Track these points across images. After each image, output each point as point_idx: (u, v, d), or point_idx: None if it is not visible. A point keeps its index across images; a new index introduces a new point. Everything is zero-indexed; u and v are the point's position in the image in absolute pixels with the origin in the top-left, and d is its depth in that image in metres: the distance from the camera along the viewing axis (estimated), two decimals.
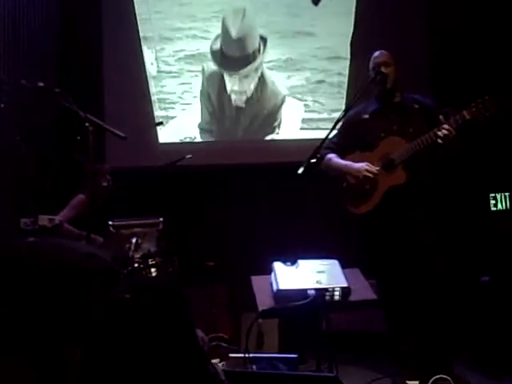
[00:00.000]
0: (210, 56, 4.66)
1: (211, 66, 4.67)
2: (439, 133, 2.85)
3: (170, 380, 1.05)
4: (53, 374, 1.10)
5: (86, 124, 2.54)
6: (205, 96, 4.68)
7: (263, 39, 4.65)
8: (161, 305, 1.09)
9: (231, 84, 4.68)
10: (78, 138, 2.53)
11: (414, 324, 3.03)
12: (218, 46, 4.66)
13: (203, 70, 4.68)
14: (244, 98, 4.68)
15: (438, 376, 2.81)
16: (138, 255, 3.29)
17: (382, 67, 3.11)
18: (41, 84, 2.71)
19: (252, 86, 4.67)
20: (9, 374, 1.09)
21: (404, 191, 3.01)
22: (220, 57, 4.65)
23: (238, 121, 4.72)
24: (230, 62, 4.65)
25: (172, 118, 4.67)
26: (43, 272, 1.15)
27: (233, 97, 4.69)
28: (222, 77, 4.67)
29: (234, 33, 4.61)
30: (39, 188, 3.63)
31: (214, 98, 4.68)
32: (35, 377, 1.09)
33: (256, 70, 4.65)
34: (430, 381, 2.79)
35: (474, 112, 2.81)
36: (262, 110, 4.70)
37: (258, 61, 4.65)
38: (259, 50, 4.65)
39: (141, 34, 4.68)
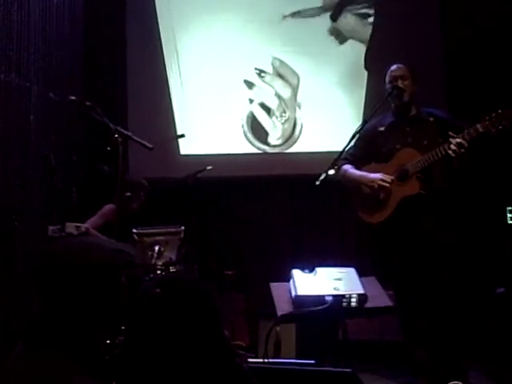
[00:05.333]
0: None
1: None
2: (452, 146, 2.88)
3: (200, 370, 1.14)
4: (91, 360, 1.21)
5: (116, 136, 2.64)
6: None
7: None
8: (190, 298, 1.18)
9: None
10: (109, 148, 2.63)
11: (430, 333, 3.04)
12: None
13: None
14: None
15: None
16: (160, 263, 3.39)
17: (399, 81, 3.16)
18: (72, 97, 2.81)
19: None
20: (51, 363, 1.19)
21: (418, 201, 3.04)
22: None
23: None
24: None
25: (194, 130, 4.78)
26: (77, 268, 1.26)
27: None
28: None
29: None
30: (66, 197, 3.74)
31: None
32: (76, 364, 1.19)
33: None
34: None
35: (487, 125, 2.83)
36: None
37: None
38: None
39: (164, 49, 4.82)
